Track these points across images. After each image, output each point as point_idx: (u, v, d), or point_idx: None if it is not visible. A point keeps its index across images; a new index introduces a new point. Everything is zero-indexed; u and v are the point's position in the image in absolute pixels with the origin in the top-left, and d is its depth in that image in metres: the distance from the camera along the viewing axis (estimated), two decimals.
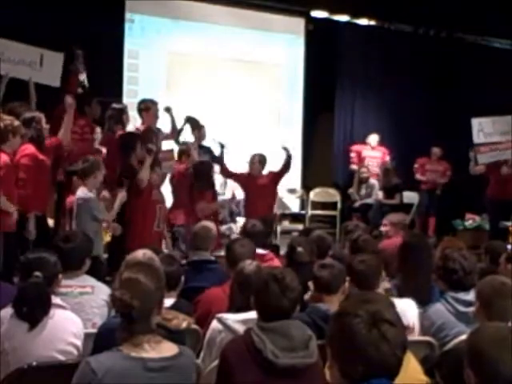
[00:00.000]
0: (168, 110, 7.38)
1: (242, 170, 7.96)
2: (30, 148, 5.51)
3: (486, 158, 8.57)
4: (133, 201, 6.03)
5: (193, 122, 7.79)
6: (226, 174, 7.89)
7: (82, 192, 5.44)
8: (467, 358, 2.07)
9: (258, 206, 7.38)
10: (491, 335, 2.09)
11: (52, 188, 6.31)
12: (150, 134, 6.62)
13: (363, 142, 10.36)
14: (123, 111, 6.99)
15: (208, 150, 7.95)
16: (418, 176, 10.14)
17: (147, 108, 7.09)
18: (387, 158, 10.19)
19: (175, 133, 7.49)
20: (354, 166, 10.18)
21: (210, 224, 4.99)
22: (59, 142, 5.85)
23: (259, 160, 7.64)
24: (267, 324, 2.63)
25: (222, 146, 7.79)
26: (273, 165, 7.92)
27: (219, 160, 7.79)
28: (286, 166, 7.74)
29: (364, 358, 1.71)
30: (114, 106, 7.07)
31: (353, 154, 10.32)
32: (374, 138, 10.20)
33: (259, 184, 7.55)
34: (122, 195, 5.79)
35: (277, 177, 7.75)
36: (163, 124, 7.42)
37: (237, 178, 7.84)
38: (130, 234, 5.94)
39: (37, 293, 2.96)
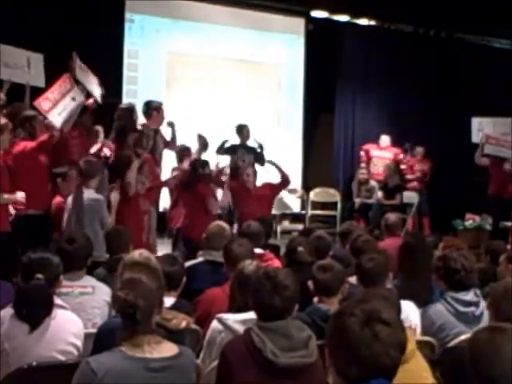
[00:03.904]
0: (171, 124, 7.25)
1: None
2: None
3: (491, 149, 8.52)
4: (120, 208, 5.85)
5: (238, 127, 8.31)
6: (221, 183, 7.37)
7: (89, 193, 5.35)
8: (467, 360, 2.07)
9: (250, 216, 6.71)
10: (486, 337, 2.08)
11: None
12: (142, 139, 6.45)
13: (375, 141, 10.42)
14: (132, 110, 6.89)
15: (252, 150, 8.18)
16: (409, 176, 10.22)
17: (157, 109, 7.07)
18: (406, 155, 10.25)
19: (175, 145, 7.32)
20: (362, 165, 10.29)
21: (224, 224, 4.96)
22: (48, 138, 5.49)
23: (253, 173, 7.33)
24: (267, 324, 2.62)
25: (261, 147, 8.13)
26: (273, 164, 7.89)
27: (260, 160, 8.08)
28: (283, 183, 7.48)
29: (357, 358, 1.70)
30: (122, 106, 7.01)
31: (362, 153, 10.40)
32: (384, 139, 10.31)
33: (255, 196, 7.12)
34: (113, 195, 5.69)
35: (275, 189, 7.48)
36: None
37: (233, 188, 7.36)
38: None
39: (40, 295, 2.95)
